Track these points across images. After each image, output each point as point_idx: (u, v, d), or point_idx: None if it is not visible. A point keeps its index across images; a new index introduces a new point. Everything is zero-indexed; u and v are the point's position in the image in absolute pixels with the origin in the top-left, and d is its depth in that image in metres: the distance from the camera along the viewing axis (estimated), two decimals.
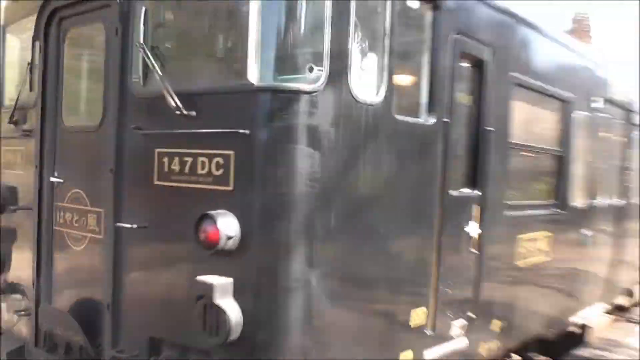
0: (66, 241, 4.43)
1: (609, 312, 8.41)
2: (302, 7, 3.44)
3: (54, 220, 4.52)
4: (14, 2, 5.12)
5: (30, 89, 4.64)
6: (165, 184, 3.68)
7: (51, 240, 4.53)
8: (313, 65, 3.39)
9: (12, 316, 4.84)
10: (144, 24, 3.89)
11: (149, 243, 3.81)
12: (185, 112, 3.49)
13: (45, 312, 4.51)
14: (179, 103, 3.51)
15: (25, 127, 4.72)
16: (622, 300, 9.06)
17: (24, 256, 4.75)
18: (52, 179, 4.52)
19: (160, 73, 3.67)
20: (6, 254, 4.99)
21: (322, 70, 3.38)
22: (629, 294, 9.53)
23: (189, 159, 3.52)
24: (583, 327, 7.49)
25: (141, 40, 3.85)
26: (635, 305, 10.00)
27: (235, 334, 3.25)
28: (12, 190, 4.80)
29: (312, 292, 3.38)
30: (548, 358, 6.80)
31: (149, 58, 3.74)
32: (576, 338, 7.44)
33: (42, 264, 4.55)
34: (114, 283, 3.97)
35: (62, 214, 4.45)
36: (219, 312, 3.24)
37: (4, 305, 4.98)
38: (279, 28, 3.39)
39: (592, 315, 7.64)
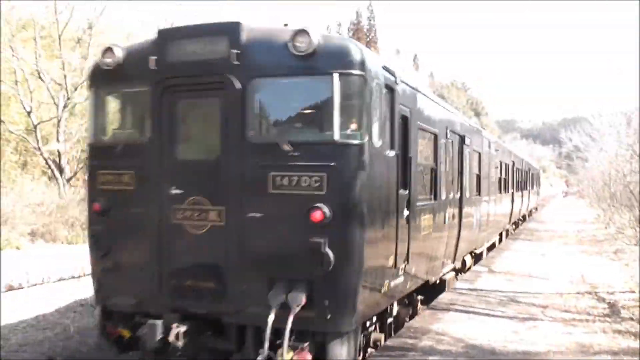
0: (185, 229, 6.88)
1: (454, 270, 13.33)
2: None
3: (171, 217, 6.95)
4: (111, 74, 7.34)
5: (140, 134, 7.26)
6: (276, 192, 6.47)
7: (170, 230, 6.94)
8: (377, 136, 6.87)
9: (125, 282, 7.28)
10: (259, 101, 6.69)
11: (265, 224, 6.52)
12: (293, 153, 6.38)
13: (173, 271, 6.95)
14: (289, 147, 6.38)
15: (131, 157, 7.21)
16: (458, 265, 13.78)
17: (138, 242, 7.17)
18: (173, 191, 6.92)
19: (274, 131, 6.81)
20: (103, 240, 7.31)
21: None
22: (463, 261, 14.55)
23: (295, 178, 6.37)
24: (442, 280, 12.13)
25: (257, 111, 6.73)
26: (469, 269, 15.71)
27: (330, 267, 6.22)
28: (112, 199, 7.26)
29: (361, 246, 6.47)
30: (422, 297, 10.89)
31: (265, 120, 6.80)
32: (438, 286, 11.97)
33: (163, 244, 6.99)
34: (241, 247, 6.62)
35: (182, 212, 6.91)
36: (324, 255, 6.20)
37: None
38: (346, 110, 6.46)
39: (448, 271, 12.45)
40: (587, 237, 26.15)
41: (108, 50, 7.41)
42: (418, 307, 10.67)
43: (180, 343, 6.62)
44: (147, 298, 7.13)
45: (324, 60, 6.44)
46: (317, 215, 6.29)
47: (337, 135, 6.41)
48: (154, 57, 7.01)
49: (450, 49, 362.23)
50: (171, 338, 6.61)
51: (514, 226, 28.25)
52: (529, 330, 9.51)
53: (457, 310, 10.85)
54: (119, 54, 7.33)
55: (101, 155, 7.54)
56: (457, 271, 14.06)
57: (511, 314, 10.71)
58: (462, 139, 12.80)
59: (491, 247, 20.20)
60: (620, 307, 11.41)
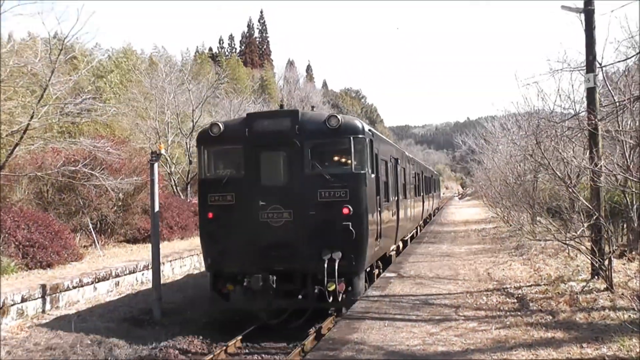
0: (268, 223, 12.74)
1: (395, 250, 19.55)
2: (366, 151, 13.30)
3: (259, 216, 12.92)
4: (216, 139, 13.59)
5: (237, 172, 13.62)
6: (322, 200, 12.58)
7: (260, 225, 12.84)
8: (369, 166, 13.32)
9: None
10: (310, 152, 12.99)
11: (316, 218, 12.62)
12: (330, 179, 12.74)
13: (264, 247, 12.81)
14: (328, 176, 12.71)
15: (233, 185, 13.35)
16: (396, 246, 19.79)
17: (238, 233, 13.01)
18: (260, 203, 12.84)
19: (320, 168, 12.96)
20: (216, 234, 13.17)
21: (373, 169, 13.72)
22: (397, 246, 20.82)
23: (332, 192, 12.63)
24: (390, 255, 18.43)
25: (309, 157, 12.93)
26: (403, 250, 22.27)
27: (353, 237, 12.44)
28: (219, 210, 13.36)
29: (367, 228, 12.81)
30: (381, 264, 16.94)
31: (314, 162, 12.99)
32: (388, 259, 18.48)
33: (257, 232, 12.78)
34: (303, 231, 12.73)
35: (266, 214, 12.84)
36: (351, 231, 12.47)
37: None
38: (357, 155, 13.00)
39: (392, 250, 18.96)
40: (488, 236, 27.23)
41: (214, 125, 13.76)
42: (380, 270, 16.80)
43: (273, 285, 12.82)
44: (247, 264, 13.05)
45: (345, 131, 12.99)
46: (345, 211, 12.63)
47: (353, 169, 13.00)
48: (246, 129, 13.38)
49: (343, 57, 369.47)
50: (269, 282, 12.77)
51: (423, 223, 34.58)
52: (445, 331, 9.70)
53: (372, 318, 10.93)
54: (221, 127, 13.61)
55: (210, 185, 13.68)
56: (396, 251, 20.59)
57: (426, 316, 10.90)
58: (396, 160, 18.97)
59: (412, 237, 26.74)
60: (529, 301, 11.88)
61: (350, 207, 12.70)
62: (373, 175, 13.78)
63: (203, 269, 23.28)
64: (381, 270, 16.74)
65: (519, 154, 23.17)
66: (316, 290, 12.76)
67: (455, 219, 42.74)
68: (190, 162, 35.71)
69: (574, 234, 14.10)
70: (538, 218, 20.87)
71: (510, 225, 27.15)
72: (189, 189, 35.70)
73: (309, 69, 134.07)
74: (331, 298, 12.63)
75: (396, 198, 18.25)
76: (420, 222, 31.35)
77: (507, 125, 30.80)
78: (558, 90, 17.54)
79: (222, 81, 44.72)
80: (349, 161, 13.04)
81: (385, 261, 17.65)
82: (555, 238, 14.16)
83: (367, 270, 14.14)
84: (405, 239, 22.83)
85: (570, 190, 13.68)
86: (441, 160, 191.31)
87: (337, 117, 12.98)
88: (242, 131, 13.38)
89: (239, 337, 12.93)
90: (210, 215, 13.48)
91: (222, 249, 13.27)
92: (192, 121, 36.20)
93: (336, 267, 12.43)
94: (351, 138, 12.94)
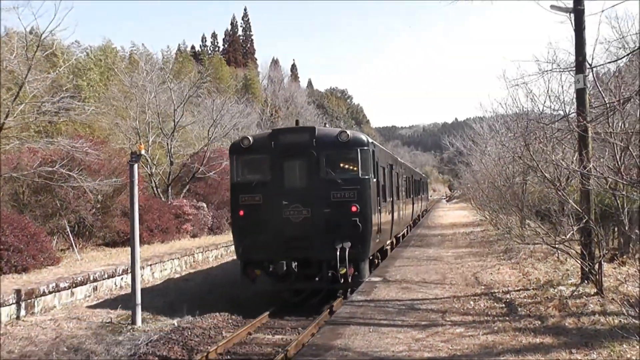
0: (290, 219, 15.93)
1: (390, 245, 22.47)
2: (370, 160, 16.67)
3: (282, 213, 16.01)
4: (246, 149, 16.81)
5: (264, 177, 16.64)
6: (334, 200, 15.85)
7: (283, 220, 15.96)
8: (372, 172, 16.71)
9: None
10: (325, 161, 16.31)
11: (330, 215, 15.79)
12: (342, 183, 16.06)
13: (287, 239, 15.85)
14: (340, 180, 16.04)
15: (260, 187, 16.47)
16: (390, 241, 22.43)
17: (265, 227, 16.03)
18: (284, 202, 15.98)
19: (333, 174, 16.23)
20: (246, 228, 16.22)
21: (375, 175, 17.11)
22: (392, 242, 23.44)
23: (343, 193, 15.89)
24: (385, 249, 21.24)
25: (324, 165, 16.39)
26: (396, 245, 25.90)
27: (360, 230, 15.71)
28: (248, 209, 16.48)
29: (371, 222, 16.25)
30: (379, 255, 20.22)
31: (328, 169, 16.27)
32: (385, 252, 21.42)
33: (280, 227, 15.93)
34: (319, 226, 15.80)
35: (289, 211, 15.97)
36: (358, 225, 15.72)
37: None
38: (362, 163, 16.35)
39: (388, 244, 21.45)
40: (476, 239, 27.33)
41: (245, 138, 16.96)
42: (379, 260, 20.05)
43: (295, 270, 15.69)
44: (273, 253, 15.85)
45: (353, 143, 16.13)
46: (354, 208, 15.58)
47: (360, 174, 16.05)
48: (272, 141, 16.44)
49: (329, 56, 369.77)
50: (291, 268, 15.69)
51: (412, 224, 37.65)
52: (431, 337, 9.69)
53: (357, 324, 10.90)
54: (251, 140, 16.79)
55: (241, 187, 16.61)
56: (391, 246, 23.32)
57: (412, 322, 10.89)
58: (391, 166, 21.98)
59: (403, 236, 29.77)
60: (517, 305, 11.91)
61: (357, 205, 15.90)
62: (375, 180, 17.11)
63: (184, 272, 23.25)
64: (380, 261, 20.22)
65: (507, 156, 23.26)
66: (330, 274, 15.82)
67: (442, 222, 42.88)
68: (172, 163, 35.55)
69: (563, 237, 14.16)
70: (527, 221, 20.95)
71: (499, 229, 27.25)
72: (170, 190, 35.53)
73: (293, 68, 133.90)
74: (342, 280, 15.78)
75: (391, 199, 21.58)
76: (410, 223, 34.83)
77: (495, 127, 30.96)
78: (547, 91, 17.74)
79: (204, 80, 44.54)
80: (356, 168, 16.36)
81: (383, 253, 21.04)
82: (545, 242, 14.19)
83: (370, 258, 17.31)
84: (398, 236, 26.82)
85: (560, 193, 13.74)
86: (428, 162, 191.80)
87: (346, 132, 16.51)
88: (269, 143, 16.59)
89: (266, 313, 15.70)
90: (242, 212, 16.61)
91: (251, 240, 16.32)
92: (174, 121, 35.99)
93: (346, 255, 15.61)
94: (358, 149, 16.36)
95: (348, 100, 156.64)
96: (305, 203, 16.08)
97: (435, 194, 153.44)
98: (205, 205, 34.53)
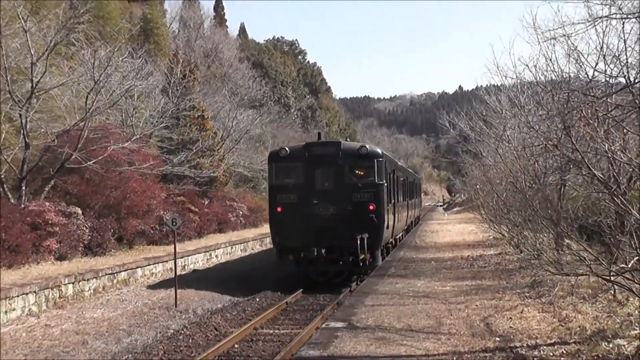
0: (320, 215, 30.52)
1: (391, 243, 38.31)
2: (383, 168, 32.13)
3: (313, 210, 30.63)
4: (283, 158, 31.82)
5: (298, 180, 31.66)
6: (356, 200, 30.78)
7: (314, 216, 30.40)
8: (384, 179, 32.35)
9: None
10: (348, 169, 31.40)
11: (353, 212, 30.32)
12: (361, 187, 31.06)
13: (317, 231, 30.03)
14: (360, 185, 31.12)
15: (295, 188, 31.34)
16: (392, 241, 38.08)
17: (299, 222, 30.15)
18: (315, 202, 30.66)
19: (354, 179, 31.50)
20: (283, 222, 30.89)
21: (386, 180, 32.64)
22: (391, 242, 39.13)
23: (362, 194, 30.82)
24: (388, 246, 37.77)
25: (347, 172, 31.59)
26: (395, 246, 42.38)
27: (376, 223, 30.77)
28: (285, 206, 31.31)
29: (384, 219, 31.45)
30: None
31: (350, 176, 31.44)
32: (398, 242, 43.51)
33: (312, 221, 30.30)
34: (343, 220, 30.03)
35: (319, 209, 30.70)
36: (375, 220, 30.74)
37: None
38: (378, 171, 31.59)
39: (390, 242, 38.44)
40: (488, 266, 27.40)
41: (283, 149, 31.76)
42: (384, 255, 34.51)
43: (324, 255, 29.59)
44: (305, 241, 29.46)
45: (371, 156, 31.10)
46: (371, 207, 30.01)
47: (376, 180, 30.78)
48: (306, 152, 31.01)
49: None
50: (320, 253, 29.51)
51: (405, 232, 50.67)
52: None
53: None
54: (287, 150, 31.28)
55: (278, 189, 31.09)
56: (392, 245, 38.26)
57: None
58: (393, 171, 35.04)
59: (400, 239, 44.43)
60: None
61: (374, 204, 29.57)
62: (386, 184, 31.05)
63: (43, 315, 22.77)
64: (385, 256, 34.96)
65: (537, 144, 23.29)
66: (350, 259, 29.04)
67: (438, 241, 43.09)
68: (28, 146, 34.73)
69: (623, 266, 14.11)
70: (566, 241, 21.02)
71: (523, 252, 27.40)
72: (24, 188, 34.73)
73: (219, 6, 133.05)
74: (361, 264, 28.97)
75: (393, 202, 35.12)
76: (405, 228, 50.26)
77: (519, 100, 31.02)
78: (602, 48, 17.39)
79: (80, 19, 43.68)
80: (373, 175, 30.22)
81: (386, 248, 36.00)
82: (593, 272, 14.15)
83: (382, 248, 32.06)
84: (396, 237, 41.88)
85: (618, 200, 13.67)
86: (417, 150, 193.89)
87: (366, 147, 30.77)
88: (303, 153, 30.55)
89: (300, 290, 28.67)
90: (279, 209, 30.23)
91: (287, 231, 29.80)
92: (31, 81, 35.16)
93: (365, 244, 28.73)
94: (375, 160, 30.40)
95: (300, 58, 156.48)
96: (332, 202, 29.72)
97: (428, 199, 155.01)
98: (80, 212, 33.87)
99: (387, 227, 31.86)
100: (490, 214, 40.55)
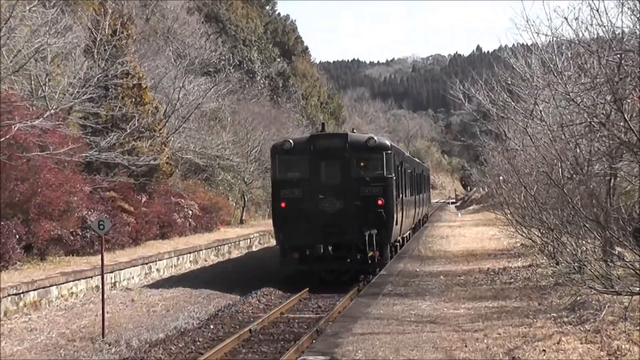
0: (326, 210, 39.56)
1: (398, 241, 48.90)
2: (392, 161, 42.92)
3: (319, 205, 39.73)
4: (287, 150, 41.38)
5: (303, 174, 41.66)
6: (364, 195, 40.05)
7: (320, 211, 39.25)
8: (393, 172, 43.17)
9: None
10: (356, 162, 41.23)
11: (361, 207, 39.45)
12: (370, 181, 40.58)
13: (323, 227, 38.89)
14: (368, 179, 40.60)
15: (300, 183, 41.22)
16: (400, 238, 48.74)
17: (304, 217, 38.93)
18: (320, 196, 39.75)
19: (362, 173, 41.44)
20: (287, 217, 39.77)
21: (394, 174, 43.67)
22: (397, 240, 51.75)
23: (371, 189, 40.33)
24: (396, 244, 48.88)
25: (355, 166, 41.56)
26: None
27: (385, 219, 40.21)
28: (289, 201, 40.54)
29: (393, 214, 41.56)
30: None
31: (358, 169, 41.27)
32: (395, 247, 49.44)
33: (318, 217, 39.19)
34: (350, 216, 39.25)
35: (325, 204, 39.66)
36: (383, 215, 40.00)
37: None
38: (387, 164, 41.78)
39: (397, 241, 48.46)
40: (514, 282, 27.43)
41: (287, 141, 41.56)
42: (393, 253, 44.12)
43: (330, 252, 38.49)
44: (311, 238, 38.04)
45: (379, 148, 40.58)
46: (380, 202, 38.99)
47: (385, 174, 40.17)
48: (311, 145, 40.25)
49: None
50: (327, 250, 38.33)
51: (412, 231, 61.03)
52: None
53: None
54: (292, 143, 40.67)
55: (282, 183, 40.37)
56: (400, 243, 48.97)
57: None
58: (401, 163, 46.35)
59: (407, 238, 54.25)
60: None
61: (383, 199, 37.33)
62: (395, 177, 39.16)
63: None
64: (394, 254, 42.26)
65: (578, 122, 23.30)
66: (359, 257, 36.70)
67: (448, 249, 43.58)
68: None
69: None
70: (616, 249, 21.00)
71: (559, 264, 27.41)
72: None
73: None
74: (370, 261, 36.62)
75: (402, 196, 43.99)
76: (412, 226, 60.41)
77: (555, 65, 30.98)
78: None
79: None
80: (382, 169, 38.04)
81: (394, 247, 43.92)
82: None
83: (391, 245, 39.89)
84: (404, 236, 51.05)
85: None
86: (422, 130, 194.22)
87: (374, 138, 39.03)
88: (308, 146, 38.38)
89: (307, 289, 35.14)
90: (283, 204, 37.64)
91: (291, 228, 36.44)
92: None
93: (374, 240, 36.28)
94: (383, 153, 38.38)
95: (268, 9, 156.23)
96: (338, 197, 36.84)
97: (436, 194, 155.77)
98: None
99: (396, 223, 40.14)
100: (517, 214, 40.57)
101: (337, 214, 36.48)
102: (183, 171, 66.09)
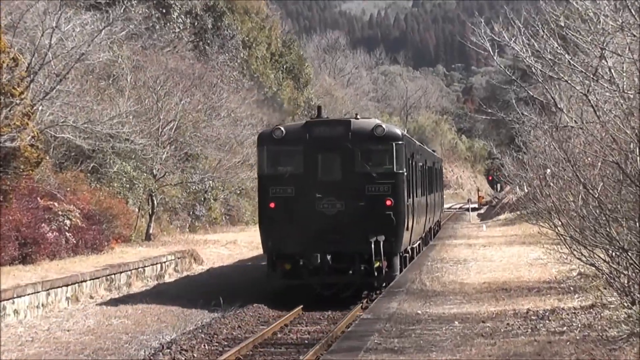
0: (323, 212, 56.94)
1: (406, 252, 67.19)
2: (403, 154, 61.94)
3: (316, 206, 57.42)
4: (277, 140, 58.40)
5: (296, 169, 59.19)
6: (369, 194, 59.35)
7: (316, 213, 56.31)
8: (404, 167, 62.36)
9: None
10: (360, 154, 59.11)
11: (364, 208, 57.24)
12: (376, 177, 59.65)
13: (320, 232, 54.31)
14: (375, 174, 59.38)
15: (292, 179, 58.66)
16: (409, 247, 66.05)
17: (297, 220, 56.12)
18: (317, 195, 56.42)
19: (368, 167, 59.88)
20: (277, 220, 56.43)
21: (404, 169, 62.63)
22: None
23: (378, 187, 59.29)
24: (411, 249, 70.47)
25: (359, 159, 59.57)
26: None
27: (394, 224, 58.06)
28: (279, 201, 57.37)
29: (404, 217, 60.25)
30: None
31: (363, 163, 58.76)
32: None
33: (314, 220, 56.69)
34: (352, 219, 56.35)
35: (322, 205, 57.26)
36: (393, 219, 57.15)
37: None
38: (397, 157, 60.27)
39: (406, 249, 67.73)
40: (567, 331, 27.53)
41: (277, 128, 56.32)
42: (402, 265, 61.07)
43: (329, 262, 52.37)
44: (305, 246, 51.80)
45: (388, 138, 56.64)
46: (388, 202, 53.99)
47: (394, 169, 56.78)
48: (306, 133, 55.23)
49: None
50: (325, 261, 52.28)
51: (423, 241, 76.57)
52: None
53: None
54: (283, 131, 55.19)
55: (270, 179, 55.64)
56: (409, 255, 66.04)
57: None
58: (412, 155, 66.35)
59: (416, 250, 71.71)
60: None
61: (392, 199, 49.55)
62: (406, 174, 53.46)
63: None
64: (403, 266, 55.57)
65: None
66: (363, 268, 48.22)
67: (466, 280, 43.89)
68: None
69: None
70: None
71: (637, 303, 27.50)
72: None
73: None
74: (376, 274, 48.15)
75: (412, 197, 58.33)
76: (422, 235, 74.20)
77: (628, 6, 31.10)
78: None
79: None
80: (391, 163, 50.66)
81: (403, 259, 57.59)
82: None
83: (401, 255, 54.24)
84: (413, 246, 64.67)
85: None
86: (428, 97, 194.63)
87: (382, 126, 51.24)
88: (303, 135, 50.67)
89: (301, 307, 45.79)
90: (272, 205, 48.88)
91: (282, 233, 47.18)
92: None
93: (381, 248, 47.51)
94: (393, 144, 50.99)
95: None
96: (339, 196, 46.79)
97: (449, 195, 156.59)
98: None
99: (407, 229, 50.62)
100: (572, 227, 40.57)
101: (337, 216, 43.75)
102: (57, 159, 65.18)
